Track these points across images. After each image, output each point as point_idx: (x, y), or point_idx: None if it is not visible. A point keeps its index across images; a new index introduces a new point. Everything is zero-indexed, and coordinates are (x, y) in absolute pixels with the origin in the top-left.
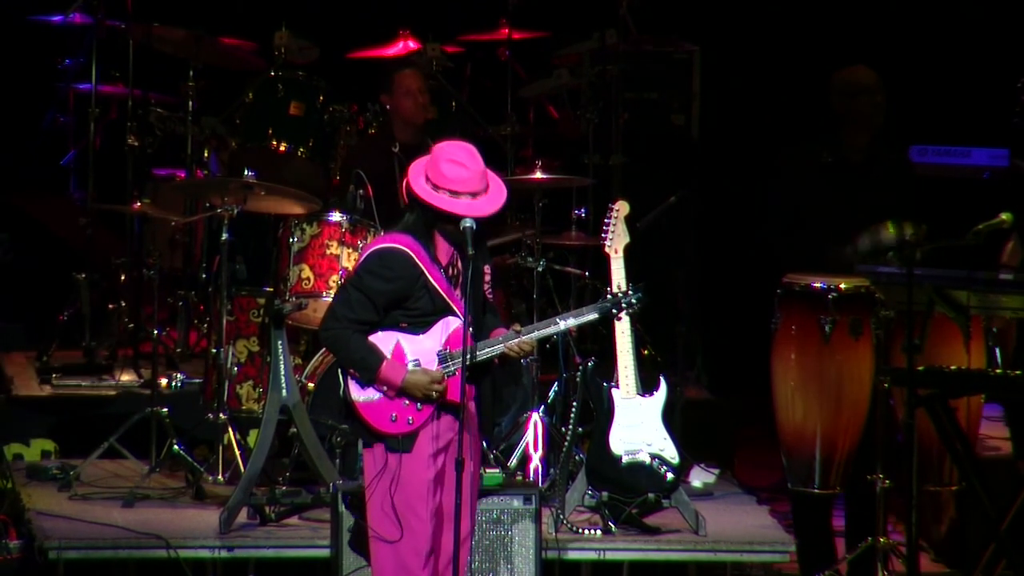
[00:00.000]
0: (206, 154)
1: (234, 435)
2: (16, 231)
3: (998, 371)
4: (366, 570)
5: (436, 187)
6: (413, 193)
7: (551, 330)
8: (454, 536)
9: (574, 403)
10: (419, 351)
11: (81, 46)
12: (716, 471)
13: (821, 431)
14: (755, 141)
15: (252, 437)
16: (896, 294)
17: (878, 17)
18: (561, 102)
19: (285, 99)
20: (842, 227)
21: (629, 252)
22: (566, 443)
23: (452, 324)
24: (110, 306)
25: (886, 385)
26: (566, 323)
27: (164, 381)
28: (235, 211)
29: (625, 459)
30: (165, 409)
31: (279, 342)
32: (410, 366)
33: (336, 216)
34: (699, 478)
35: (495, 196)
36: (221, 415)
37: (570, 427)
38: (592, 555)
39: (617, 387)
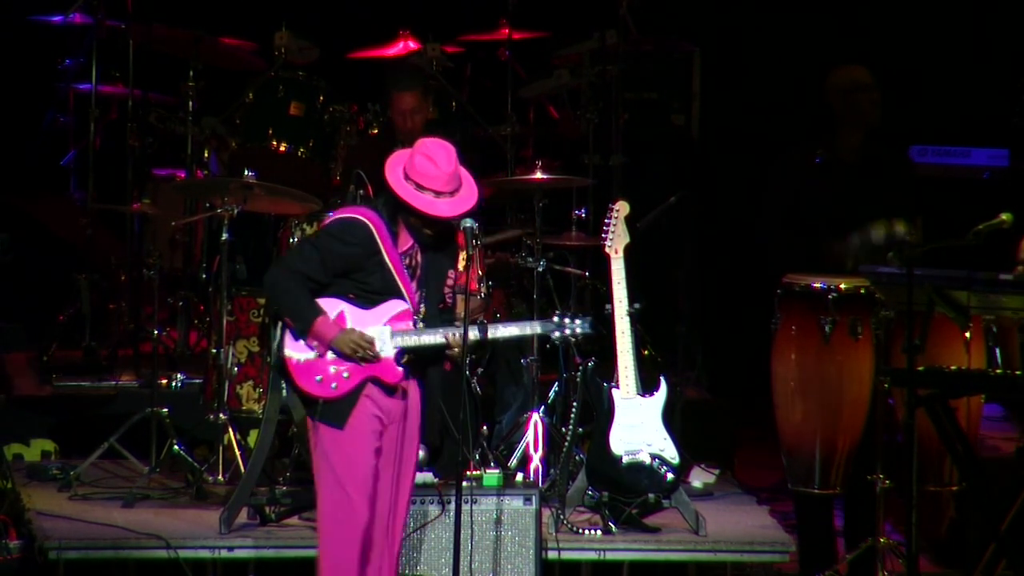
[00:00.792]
0: (206, 154)
1: (234, 435)
2: (16, 231)
3: (998, 371)
4: None
5: (407, 177)
6: (385, 178)
7: (491, 334)
8: (454, 540)
9: (574, 403)
10: (361, 323)
11: (81, 46)
12: (716, 471)
13: (821, 431)
14: (755, 141)
15: (252, 437)
16: (896, 294)
17: (877, 17)
18: (561, 102)
19: (285, 99)
20: (839, 225)
21: (629, 252)
22: (566, 443)
23: (398, 307)
24: (110, 306)
25: (886, 385)
26: (508, 331)
27: (164, 381)
28: (235, 211)
29: (625, 459)
30: (165, 409)
31: None
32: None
33: None
34: (699, 478)
35: (461, 201)
36: (221, 415)
37: (570, 427)
38: (592, 555)
39: (617, 387)
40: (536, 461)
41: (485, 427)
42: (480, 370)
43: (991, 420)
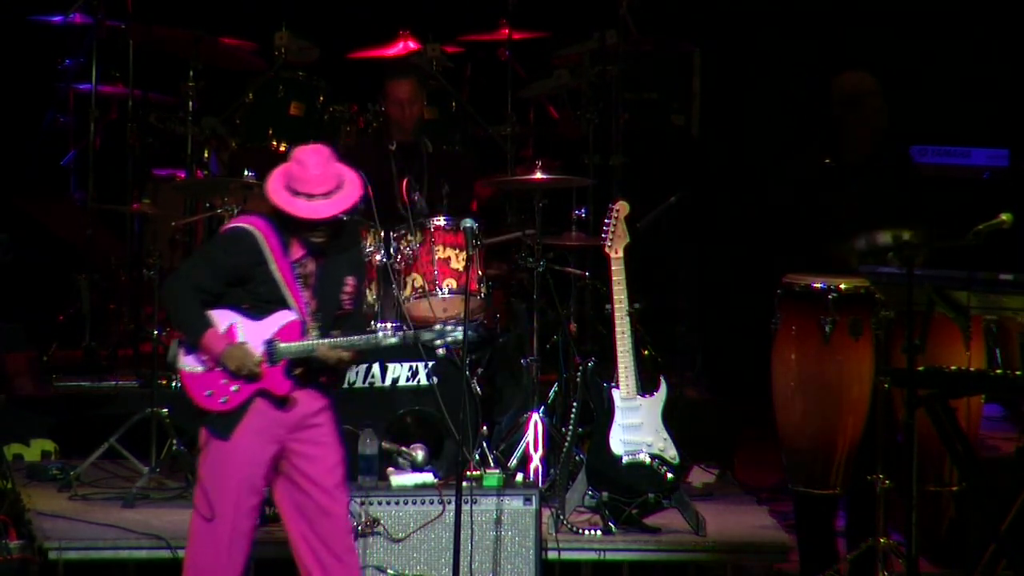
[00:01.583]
0: (206, 154)
1: None
2: (16, 231)
3: (998, 371)
4: (368, 570)
5: (285, 186)
6: (265, 188)
7: (364, 343)
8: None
9: (574, 403)
10: (252, 335)
11: (81, 46)
12: (716, 471)
13: (821, 431)
14: (755, 141)
15: None
16: (896, 294)
17: (877, 16)
18: (561, 102)
19: (285, 99)
20: (845, 229)
21: (629, 252)
22: (566, 443)
23: (288, 317)
24: (110, 306)
25: (886, 385)
26: (389, 341)
27: (164, 381)
28: (235, 211)
29: (625, 459)
30: (165, 409)
31: None
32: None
33: None
34: (699, 478)
35: (338, 201)
36: None
37: (570, 427)
38: (592, 555)
39: (617, 387)
40: (536, 461)
41: (485, 427)
42: (480, 370)
43: (991, 420)
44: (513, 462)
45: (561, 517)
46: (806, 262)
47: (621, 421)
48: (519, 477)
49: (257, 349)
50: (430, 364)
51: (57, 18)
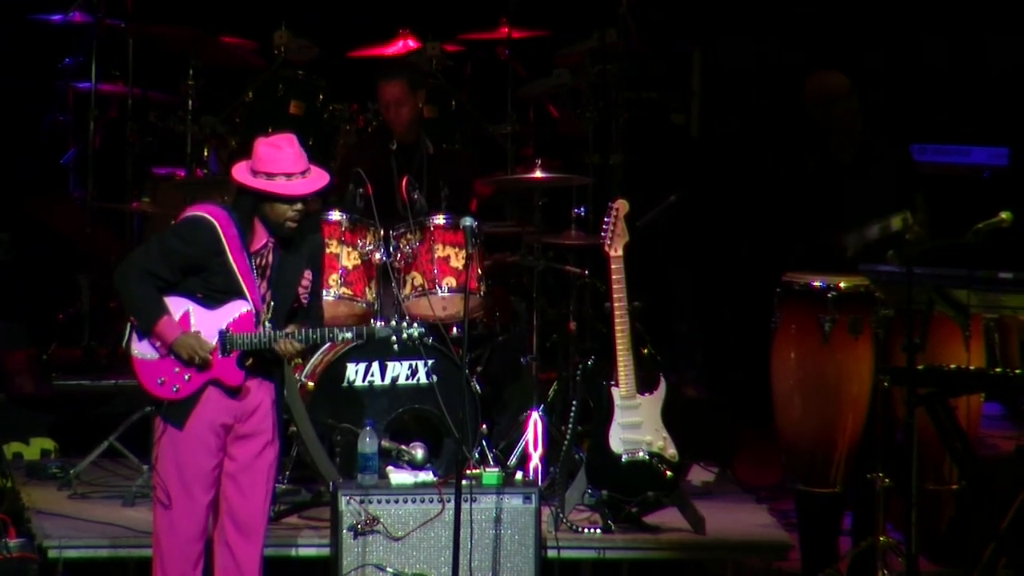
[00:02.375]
0: (206, 153)
1: None
2: (16, 230)
3: (998, 370)
4: (366, 568)
5: (255, 172)
6: (234, 179)
7: (319, 337)
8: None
9: (574, 402)
10: (205, 324)
11: (81, 45)
12: (715, 470)
13: (820, 430)
14: (754, 140)
15: None
16: (896, 293)
17: (876, 14)
18: (561, 101)
19: (285, 98)
20: (836, 225)
21: (629, 251)
22: (566, 442)
23: (242, 308)
24: (110, 305)
25: (886, 384)
26: (345, 335)
27: None
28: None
29: (625, 458)
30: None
31: None
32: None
33: (335, 215)
34: (699, 477)
35: (314, 180)
36: None
37: (570, 426)
38: (592, 554)
39: (616, 386)
40: (535, 460)
41: (484, 426)
42: (479, 369)
43: (991, 419)
44: (513, 460)
45: (561, 516)
46: (805, 259)
47: (620, 420)
48: (519, 476)
49: (210, 339)
50: (429, 363)
51: (57, 17)
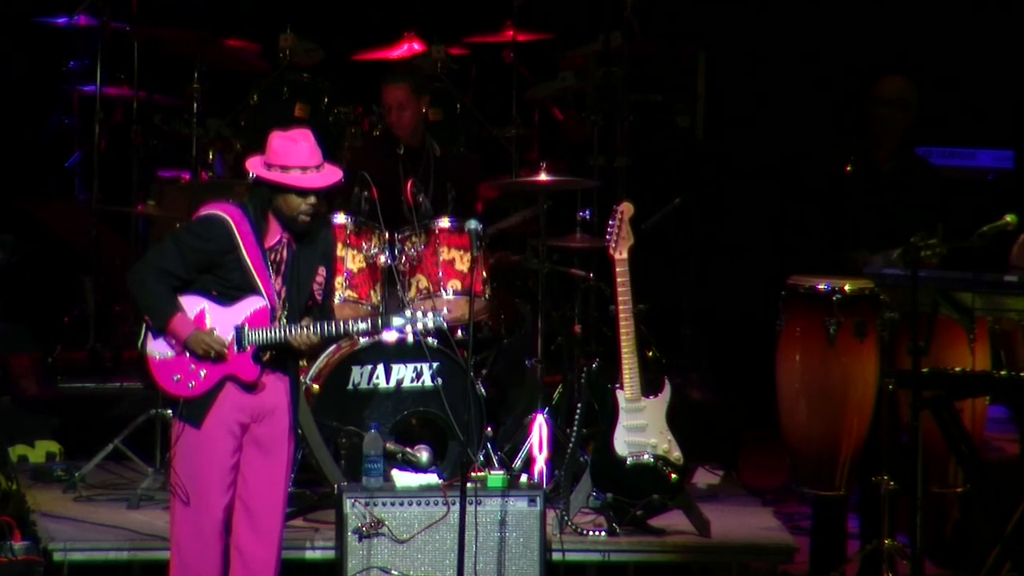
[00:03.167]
0: (211, 156)
1: None
2: (21, 233)
3: (1003, 373)
4: (372, 571)
5: (269, 165)
6: (248, 171)
7: (335, 330)
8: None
9: (578, 405)
10: (220, 321)
11: (86, 48)
12: (721, 473)
13: (825, 433)
14: (759, 142)
15: None
16: (901, 296)
17: (884, 18)
18: (566, 104)
19: (290, 101)
20: (868, 234)
21: (633, 254)
22: (570, 445)
23: (257, 303)
24: (115, 308)
25: (891, 387)
26: (359, 327)
27: None
28: None
29: (629, 461)
30: (169, 411)
31: None
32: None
33: (341, 218)
34: (704, 480)
35: (329, 174)
36: None
37: (574, 429)
38: (597, 557)
39: (621, 388)
40: (540, 462)
41: (489, 428)
42: (484, 371)
43: (996, 422)
44: (517, 463)
45: (565, 518)
46: (818, 266)
47: (625, 422)
48: (523, 478)
49: (226, 335)
50: (434, 365)
51: (62, 20)
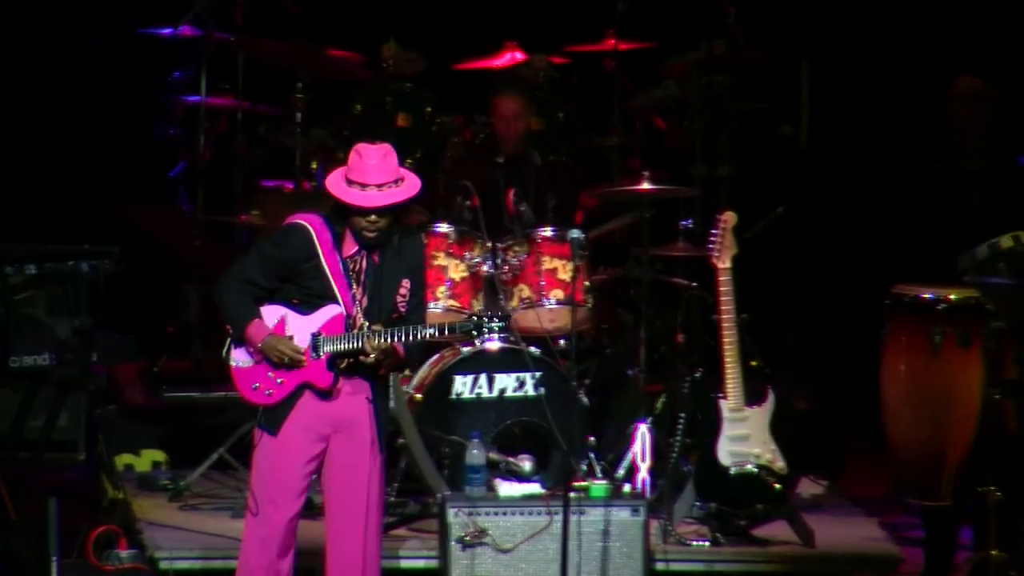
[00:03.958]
0: (314, 166)
1: None
2: (126, 243)
3: None
4: None
5: (344, 177)
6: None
7: (403, 335)
8: None
9: (681, 414)
10: (299, 329)
11: (190, 59)
12: (825, 483)
13: (930, 442)
14: (864, 151)
15: None
16: (1007, 304)
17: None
18: (668, 113)
19: (392, 110)
20: (955, 233)
21: (737, 263)
22: (673, 454)
23: (334, 311)
24: (218, 317)
25: (997, 396)
26: (427, 332)
27: None
28: None
29: (733, 470)
30: None
31: None
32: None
33: (443, 227)
34: (808, 490)
35: (389, 195)
36: None
37: (677, 438)
38: (700, 566)
39: (724, 398)
40: (643, 472)
41: (592, 438)
42: (587, 381)
43: None
44: (620, 473)
45: (669, 528)
46: (920, 273)
47: (729, 432)
48: (626, 488)
49: (303, 343)
50: (537, 375)
51: (166, 31)
